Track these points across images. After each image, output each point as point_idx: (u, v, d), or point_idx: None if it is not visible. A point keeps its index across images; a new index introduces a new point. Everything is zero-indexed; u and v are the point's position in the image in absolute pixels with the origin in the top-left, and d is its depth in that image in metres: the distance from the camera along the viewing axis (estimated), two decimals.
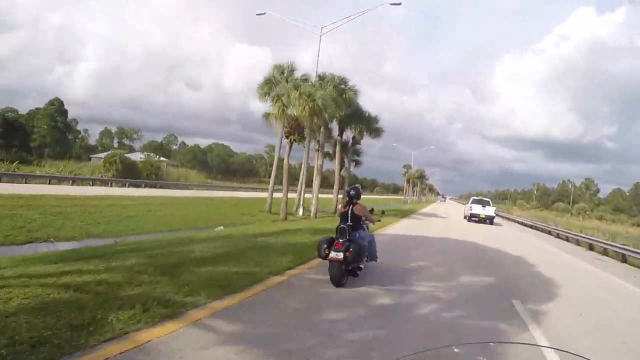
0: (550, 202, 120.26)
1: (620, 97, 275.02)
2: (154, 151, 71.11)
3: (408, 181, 77.84)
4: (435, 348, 1.38)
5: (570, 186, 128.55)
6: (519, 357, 1.52)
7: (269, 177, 28.71)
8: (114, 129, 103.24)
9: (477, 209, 28.33)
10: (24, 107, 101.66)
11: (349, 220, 6.78)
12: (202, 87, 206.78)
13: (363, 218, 7.04)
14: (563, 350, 1.33)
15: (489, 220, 27.87)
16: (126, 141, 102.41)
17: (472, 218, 28.03)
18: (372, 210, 7.60)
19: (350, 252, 6.14)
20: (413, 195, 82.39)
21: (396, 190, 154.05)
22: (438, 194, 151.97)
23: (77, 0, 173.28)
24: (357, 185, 7.74)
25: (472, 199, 31.72)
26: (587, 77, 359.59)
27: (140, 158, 49.20)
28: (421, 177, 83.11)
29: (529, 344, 1.92)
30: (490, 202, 30.27)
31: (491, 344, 1.50)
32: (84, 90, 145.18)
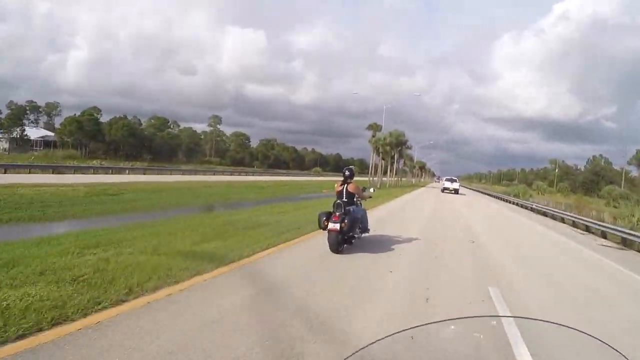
0: (578, 184, 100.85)
1: (620, 77, 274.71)
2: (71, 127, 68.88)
3: (377, 151, 50.32)
4: (430, 323, 1.32)
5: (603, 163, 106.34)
6: (516, 331, 1.71)
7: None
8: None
9: (448, 184, 44.24)
10: (19, 98, 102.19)
11: (344, 197, 7.92)
12: (196, 71, 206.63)
13: (356, 195, 8.20)
14: (572, 328, 1.25)
15: (454, 191, 42.88)
16: (44, 118, 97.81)
17: (444, 190, 43.50)
18: (364, 189, 9.05)
19: (345, 223, 7.35)
20: (388, 175, 55.72)
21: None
22: (434, 175, 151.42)
23: None
24: (351, 167, 8.70)
25: (445, 178, 49.84)
26: (586, 57, 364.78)
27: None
28: (399, 144, 51.87)
29: (528, 318, 1.76)
30: (457, 179, 47.25)
31: (486, 318, 1.70)
32: (76, 77, 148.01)
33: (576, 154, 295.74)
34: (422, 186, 66.81)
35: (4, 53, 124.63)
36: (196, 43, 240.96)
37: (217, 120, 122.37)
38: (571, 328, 1.27)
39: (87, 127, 79.41)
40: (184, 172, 43.92)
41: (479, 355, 1.41)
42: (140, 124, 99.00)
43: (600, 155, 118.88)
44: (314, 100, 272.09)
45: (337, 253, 7.41)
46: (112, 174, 32.52)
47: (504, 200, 38.54)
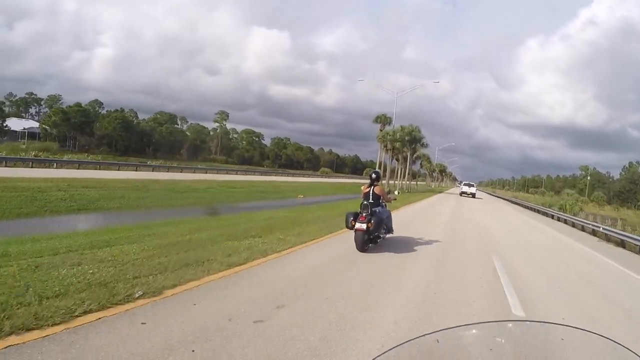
0: (612, 193, 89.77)
1: None
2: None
3: (386, 148, 43.51)
4: (450, 328, 1.34)
5: None
6: (534, 336, 1.43)
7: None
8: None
9: (465, 189, 47.14)
10: (43, 93, 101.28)
11: (371, 199, 8.35)
12: (220, 71, 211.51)
13: (382, 197, 8.59)
14: (583, 330, 1.30)
15: (472, 195, 45.51)
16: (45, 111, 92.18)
17: (462, 194, 45.94)
18: (389, 192, 10.65)
19: (372, 223, 7.77)
20: (398, 179, 50.04)
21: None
22: (455, 179, 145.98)
23: None
24: (377, 170, 10.46)
25: (462, 182, 55.02)
26: (613, 63, 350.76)
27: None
28: (413, 141, 44.53)
29: (544, 322, 1.44)
30: (474, 184, 50.42)
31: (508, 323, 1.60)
32: (102, 76, 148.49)
33: (601, 162, 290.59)
34: (440, 192, 57.63)
35: (31, 50, 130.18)
36: (220, 43, 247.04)
37: (223, 116, 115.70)
38: (601, 336, 1.24)
39: (74, 118, 72.99)
40: (154, 169, 36.81)
41: None
42: (137, 118, 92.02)
43: (638, 162, 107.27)
44: (338, 102, 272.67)
45: (363, 252, 7.80)
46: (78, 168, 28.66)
47: (540, 213, 30.59)
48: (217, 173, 44.63)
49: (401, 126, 42.26)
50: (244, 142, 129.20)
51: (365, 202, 8.13)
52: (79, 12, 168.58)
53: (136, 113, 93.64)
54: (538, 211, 32.08)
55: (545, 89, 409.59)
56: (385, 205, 8.95)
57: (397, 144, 41.41)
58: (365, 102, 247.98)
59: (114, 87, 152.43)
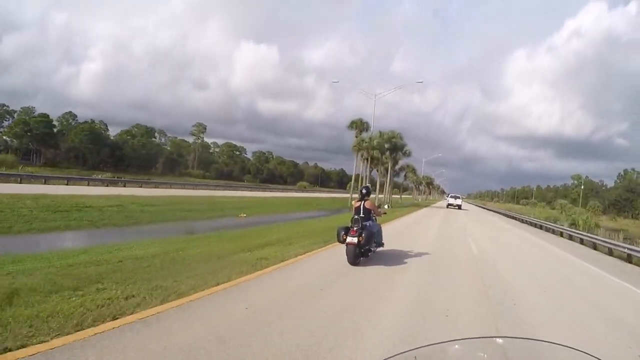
0: (608, 202, 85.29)
1: (632, 93, 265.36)
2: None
3: (363, 157, 37.44)
4: (436, 343, 1.36)
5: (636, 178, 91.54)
6: (521, 353, 1.42)
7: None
8: None
9: (452, 201, 49.79)
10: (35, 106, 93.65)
11: (362, 213, 8.51)
12: (208, 86, 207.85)
13: (372, 211, 8.78)
14: (580, 350, 1.28)
15: (458, 206, 48.13)
16: None
17: (449, 206, 48.60)
18: (379, 206, 10.55)
19: (363, 237, 7.90)
20: (383, 192, 42.86)
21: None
22: (443, 192, 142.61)
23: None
24: (367, 185, 9.64)
25: (449, 194, 58.16)
26: (598, 73, 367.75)
27: None
28: (394, 149, 39.71)
29: (528, 339, 1.47)
30: (460, 197, 52.24)
31: (496, 339, 1.50)
32: (90, 90, 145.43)
33: (589, 171, 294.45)
34: (427, 205, 52.12)
35: (19, 64, 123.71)
36: (209, 58, 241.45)
37: (200, 128, 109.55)
38: (586, 354, 1.23)
39: (36, 129, 66.76)
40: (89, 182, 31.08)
41: None
42: (107, 130, 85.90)
43: (633, 169, 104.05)
44: (327, 117, 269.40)
45: (355, 265, 7.88)
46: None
47: (545, 230, 25.29)
48: (170, 187, 38.99)
49: (380, 132, 36.91)
50: (224, 156, 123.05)
51: (356, 217, 8.30)
52: (68, 26, 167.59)
53: (106, 125, 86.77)
54: (542, 227, 26.71)
55: (533, 100, 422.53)
56: (376, 219, 9.14)
57: (375, 152, 35.55)
58: (354, 116, 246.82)
59: (103, 102, 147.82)
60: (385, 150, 37.38)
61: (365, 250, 8.29)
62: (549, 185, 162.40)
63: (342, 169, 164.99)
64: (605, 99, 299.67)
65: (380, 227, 9.18)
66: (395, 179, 54.80)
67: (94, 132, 78.14)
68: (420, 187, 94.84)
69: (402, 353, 1.20)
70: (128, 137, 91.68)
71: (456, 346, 1.41)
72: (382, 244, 9.24)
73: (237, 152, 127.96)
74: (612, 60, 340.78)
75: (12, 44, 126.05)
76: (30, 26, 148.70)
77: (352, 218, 8.23)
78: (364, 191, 8.88)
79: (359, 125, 36.41)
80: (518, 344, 1.49)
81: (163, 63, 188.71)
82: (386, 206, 13.23)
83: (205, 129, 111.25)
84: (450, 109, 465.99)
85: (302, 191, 71.29)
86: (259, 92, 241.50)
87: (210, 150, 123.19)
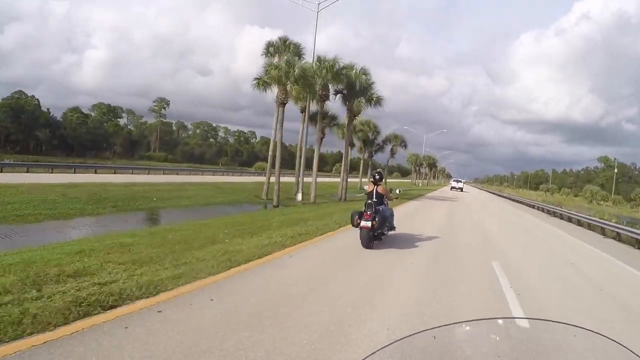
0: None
1: None
2: None
3: (351, 140, 31.38)
4: (445, 325, 1.36)
5: None
6: (533, 334, 1.46)
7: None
8: None
9: (454, 184, 59.77)
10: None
11: (374, 197, 8.93)
12: (211, 71, 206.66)
13: (384, 196, 9.17)
14: (589, 330, 1.30)
15: (460, 189, 56.11)
16: None
17: (452, 189, 58.02)
18: (391, 190, 10.72)
19: (376, 221, 8.28)
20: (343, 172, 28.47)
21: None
22: (450, 176, 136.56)
23: None
24: (379, 170, 11.16)
25: (452, 179, 68.23)
26: (607, 57, 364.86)
27: None
28: (351, 88, 24.10)
29: (539, 319, 1.44)
30: (462, 180, 63.14)
31: (499, 320, 1.52)
32: (92, 79, 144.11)
33: (596, 156, 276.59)
34: (422, 195, 37.25)
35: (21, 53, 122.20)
36: (211, 43, 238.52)
37: (162, 104, 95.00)
38: (599, 334, 1.25)
39: None
40: None
41: (495, 358, 1.38)
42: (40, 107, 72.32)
43: None
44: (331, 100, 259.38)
45: (368, 248, 8.28)
46: None
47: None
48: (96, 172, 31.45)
49: (319, 59, 22.43)
50: (196, 138, 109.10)
51: (369, 201, 8.71)
52: (68, 15, 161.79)
53: (38, 100, 72.83)
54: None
55: (540, 84, 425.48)
56: (388, 203, 9.46)
57: (296, 90, 20.80)
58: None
59: (106, 90, 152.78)
60: (327, 88, 22.82)
61: (379, 233, 8.69)
62: (565, 170, 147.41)
63: (339, 151, 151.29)
64: (614, 82, 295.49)
65: (393, 211, 9.66)
66: (380, 155, 39.92)
67: (18, 109, 63.94)
68: (421, 170, 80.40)
69: (410, 335, 1.25)
70: (76, 116, 77.60)
71: (467, 327, 1.42)
72: (394, 228, 9.61)
73: (213, 133, 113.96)
74: (621, 44, 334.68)
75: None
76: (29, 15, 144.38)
77: (366, 202, 8.73)
78: (376, 176, 9.29)
79: (281, 50, 23.11)
80: (530, 325, 1.54)
81: (165, 49, 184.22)
82: (397, 191, 11.57)
83: (167, 104, 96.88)
84: (457, 93, 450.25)
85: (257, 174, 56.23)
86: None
87: (189, 132, 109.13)
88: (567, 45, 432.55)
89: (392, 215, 9.37)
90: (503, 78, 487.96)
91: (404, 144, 44.42)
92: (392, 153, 44.57)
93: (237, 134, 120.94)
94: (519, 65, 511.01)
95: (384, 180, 9.73)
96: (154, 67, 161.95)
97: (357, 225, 8.33)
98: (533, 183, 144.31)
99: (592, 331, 1.25)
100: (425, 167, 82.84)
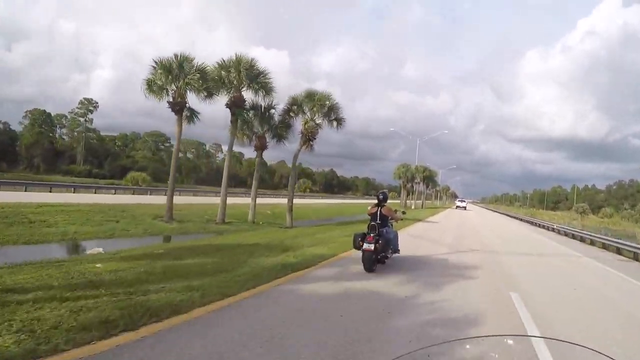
0: None
1: None
2: None
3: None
4: (446, 342, 1.42)
5: None
6: (532, 352, 1.41)
7: None
8: None
9: (459, 203, 71.96)
10: None
11: (378, 219, 8.87)
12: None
13: (389, 217, 9.24)
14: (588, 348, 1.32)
15: (464, 208, 66.53)
16: None
17: (457, 207, 68.30)
18: (396, 211, 9.92)
19: (380, 243, 8.29)
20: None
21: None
22: (456, 197, 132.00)
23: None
24: (384, 190, 10.31)
25: (457, 199, 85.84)
26: (613, 73, 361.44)
27: None
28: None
29: (539, 337, 2.16)
30: (465, 200, 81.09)
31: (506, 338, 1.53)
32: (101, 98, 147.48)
33: (603, 173, 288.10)
34: (421, 220, 28.91)
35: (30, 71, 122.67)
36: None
37: (86, 105, 77.26)
38: (598, 352, 1.26)
39: None
40: None
41: None
42: None
43: None
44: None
45: (371, 272, 8.17)
46: None
47: None
48: None
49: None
50: (144, 150, 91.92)
51: (372, 223, 8.68)
52: (77, 35, 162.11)
53: None
54: None
55: (546, 101, 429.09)
56: (392, 225, 9.61)
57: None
58: (365, 121, 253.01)
59: (113, 110, 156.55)
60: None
61: (382, 256, 8.71)
62: (587, 185, 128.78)
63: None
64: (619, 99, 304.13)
65: (397, 234, 9.72)
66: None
67: None
68: (415, 186, 62.01)
69: (413, 352, 1.23)
70: None
71: (467, 346, 1.43)
72: (398, 251, 9.61)
73: (166, 144, 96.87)
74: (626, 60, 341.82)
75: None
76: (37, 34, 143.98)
77: (369, 224, 8.73)
78: (380, 197, 9.29)
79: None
80: (529, 343, 1.67)
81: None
82: (402, 211, 11.01)
83: (96, 107, 79.09)
84: (463, 112, 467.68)
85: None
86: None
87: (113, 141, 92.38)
88: (573, 62, 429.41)
89: (396, 237, 9.53)
90: (509, 96, 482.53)
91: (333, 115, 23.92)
92: (306, 138, 21.42)
93: (193, 143, 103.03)
94: (525, 83, 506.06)
95: (387, 201, 9.51)
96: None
97: (360, 248, 8.39)
98: (550, 202, 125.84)
99: (600, 352, 1.22)
100: (419, 183, 64.12)
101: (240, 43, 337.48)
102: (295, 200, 24.59)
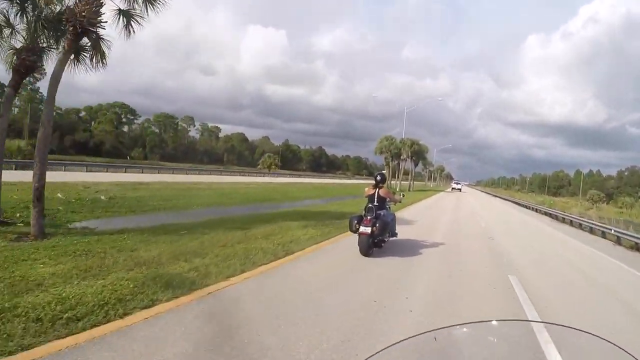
0: None
1: None
2: None
3: None
4: (444, 327, 1.38)
5: None
6: (531, 336, 1.50)
7: None
8: None
9: (455, 186, 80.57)
10: None
11: (375, 201, 8.57)
12: (215, 71, 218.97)
13: (387, 199, 8.96)
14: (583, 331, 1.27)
15: (459, 190, 74.18)
16: None
17: (453, 189, 77.12)
18: (394, 193, 10.54)
19: (377, 227, 8.01)
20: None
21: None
22: (451, 179, 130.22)
23: None
24: (382, 172, 10.51)
25: (453, 182, 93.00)
26: (612, 60, 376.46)
27: None
28: None
29: (537, 321, 2.05)
30: (461, 183, 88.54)
31: (493, 322, 1.49)
32: (96, 76, 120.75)
33: (600, 161, 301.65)
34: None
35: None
36: (216, 43, 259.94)
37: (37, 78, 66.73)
38: (595, 335, 1.24)
39: None
40: None
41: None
42: None
43: None
44: (335, 102, 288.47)
45: (367, 256, 8.02)
46: None
47: None
48: None
49: None
50: (102, 124, 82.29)
51: (370, 205, 8.46)
52: None
53: None
54: None
55: (544, 88, 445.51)
56: (390, 207, 9.38)
57: None
58: (363, 102, 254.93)
59: (109, 88, 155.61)
60: None
61: (379, 240, 8.52)
62: (592, 171, 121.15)
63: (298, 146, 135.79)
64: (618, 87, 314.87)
65: (395, 217, 9.43)
66: None
67: None
68: (401, 164, 53.05)
69: (408, 338, 1.27)
70: None
71: (464, 329, 1.42)
72: (395, 234, 9.35)
73: (131, 117, 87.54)
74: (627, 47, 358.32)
75: None
76: None
77: (366, 207, 8.52)
78: (378, 178, 8.96)
79: None
80: (528, 327, 1.54)
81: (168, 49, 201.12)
82: (402, 194, 10.17)
83: (44, 74, 68.18)
84: (462, 95, 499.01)
85: None
86: (267, 77, 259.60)
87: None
88: (574, 48, 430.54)
89: (394, 220, 9.29)
90: (508, 81, 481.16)
91: None
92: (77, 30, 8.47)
93: (161, 116, 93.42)
94: (525, 69, 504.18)
95: (386, 182, 9.25)
96: (158, 67, 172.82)
97: (356, 231, 8.15)
98: (551, 187, 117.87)
99: (588, 332, 1.25)
100: (407, 159, 54.87)
101: (239, 22, 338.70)
102: (249, 179, 24.51)
